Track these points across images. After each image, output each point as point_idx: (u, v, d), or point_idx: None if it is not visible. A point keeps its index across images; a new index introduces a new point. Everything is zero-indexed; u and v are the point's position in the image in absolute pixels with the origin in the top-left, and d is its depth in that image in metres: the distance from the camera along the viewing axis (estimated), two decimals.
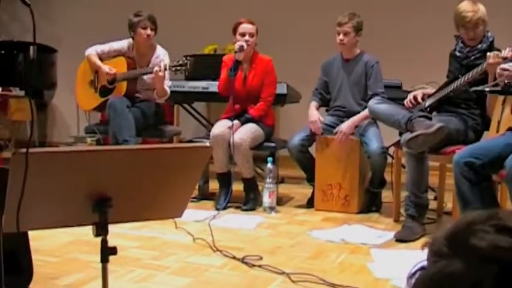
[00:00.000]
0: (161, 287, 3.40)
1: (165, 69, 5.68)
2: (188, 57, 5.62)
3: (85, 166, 2.15)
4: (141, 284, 3.45)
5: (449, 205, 5.09)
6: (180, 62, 5.65)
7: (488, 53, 4.33)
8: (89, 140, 6.30)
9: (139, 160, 2.25)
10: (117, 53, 6.16)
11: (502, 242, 0.93)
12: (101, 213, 2.20)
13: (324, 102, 5.94)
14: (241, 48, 5.51)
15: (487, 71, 4.32)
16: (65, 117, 9.17)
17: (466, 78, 4.52)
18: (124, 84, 6.00)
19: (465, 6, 4.68)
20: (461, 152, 3.87)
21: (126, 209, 2.30)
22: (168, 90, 6.03)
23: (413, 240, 4.52)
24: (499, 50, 4.31)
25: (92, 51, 6.19)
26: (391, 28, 7.69)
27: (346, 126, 5.50)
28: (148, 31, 5.94)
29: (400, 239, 4.53)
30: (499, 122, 4.10)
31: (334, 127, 5.65)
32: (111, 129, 5.76)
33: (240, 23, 5.68)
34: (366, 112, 5.42)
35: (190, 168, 2.37)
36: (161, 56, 6.08)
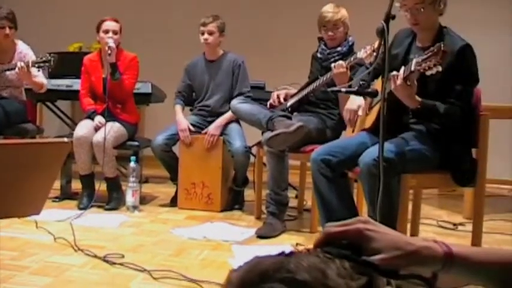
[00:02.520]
0: None
1: (28, 65, 5.55)
2: (52, 54, 5.51)
3: None
4: (0, 285, 3.37)
5: (309, 203, 5.22)
6: (44, 59, 5.53)
7: (332, 64, 4.54)
8: None
9: None
10: None
11: None
12: None
13: (187, 104, 5.99)
14: (110, 49, 5.46)
15: (334, 80, 4.52)
16: None
17: (324, 79, 4.70)
18: None
19: (327, 8, 4.88)
20: (318, 149, 3.99)
21: None
22: (44, 81, 5.91)
23: (274, 237, 4.65)
24: (355, 53, 4.50)
25: None
26: (255, 29, 7.85)
27: (213, 128, 5.57)
28: (7, 30, 5.77)
29: (261, 236, 4.64)
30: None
31: (198, 126, 5.71)
32: None
33: (104, 21, 5.64)
34: (229, 113, 5.51)
35: (48, 165, 2.36)
36: (24, 51, 5.92)
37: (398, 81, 3.37)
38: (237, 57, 5.79)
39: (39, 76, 5.86)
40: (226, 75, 5.76)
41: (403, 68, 3.41)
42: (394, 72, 3.40)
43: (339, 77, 4.46)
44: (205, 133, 5.62)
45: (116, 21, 5.67)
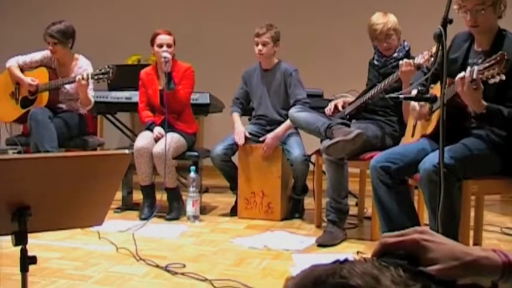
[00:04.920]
0: None
1: (88, 77, 5.65)
2: (111, 65, 5.60)
3: (3, 175, 2.13)
4: None
5: (369, 210, 5.19)
6: (103, 70, 5.62)
7: (400, 62, 4.47)
8: (10, 152, 6.21)
9: (57, 168, 2.25)
10: (39, 64, 6.10)
11: None
12: (20, 222, 2.19)
13: (244, 111, 6.02)
14: (166, 59, 5.53)
15: (401, 79, 4.47)
16: None
17: (383, 85, 4.66)
18: (46, 94, 5.94)
19: (375, 19, 4.84)
20: (377, 157, 3.96)
21: (45, 218, 2.30)
22: (92, 99, 6.01)
23: (334, 245, 4.62)
24: (413, 58, 4.46)
25: (13, 63, 6.10)
26: (312, 38, 7.84)
27: (271, 138, 5.57)
28: (50, 46, 5.90)
29: (321, 244, 4.62)
30: (414, 127, 4.23)
31: (256, 136, 5.73)
32: (33, 140, 5.69)
33: (157, 34, 5.71)
34: (288, 122, 5.50)
35: (110, 176, 2.39)
36: (84, 66, 6.03)
37: (466, 85, 3.30)
38: (288, 66, 5.78)
39: (90, 94, 5.96)
40: (279, 84, 5.76)
41: (465, 72, 3.34)
42: (461, 74, 3.33)
43: (407, 75, 4.39)
44: (263, 141, 5.63)
45: (169, 34, 5.72)
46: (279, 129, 5.62)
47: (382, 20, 4.81)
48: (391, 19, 4.83)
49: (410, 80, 4.27)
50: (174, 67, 5.73)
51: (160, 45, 5.64)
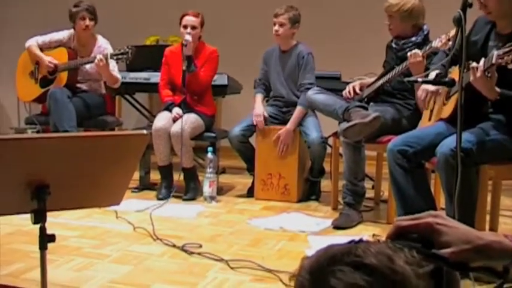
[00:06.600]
0: (101, 275, 3.40)
1: (107, 58, 5.68)
2: (130, 46, 5.62)
3: (23, 154, 2.15)
4: (82, 272, 3.46)
5: (386, 193, 5.19)
6: (122, 51, 5.64)
7: (408, 53, 4.46)
8: (29, 131, 6.25)
9: (77, 147, 2.27)
10: (58, 44, 6.13)
11: (359, 281, 1.00)
12: (39, 201, 2.21)
13: (268, 93, 6.02)
14: (186, 42, 5.54)
15: (410, 70, 4.46)
16: (6, 109, 9.09)
17: (400, 69, 4.64)
18: (65, 74, 5.98)
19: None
20: (394, 140, 3.96)
21: (64, 197, 2.32)
22: (119, 76, 6.04)
23: (350, 227, 4.64)
24: (430, 42, 4.43)
25: (33, 42, 6.14)
26: (330, 21, 7.81)
27: (284, 135, 5.57)
28: (87, 22, 5.94)
29: (337, 226, 4.63)
30: (431, 111, 4.22)
31: (274, 117, 5.74)
32: (52, 119, 5.74)
33: (184, 15, 5.70)
34: (297, 113, 5.55)
35: (128, 156, 2.40)
36: (103, 45, 6.08)
37: (479, 74, 3.29)
38: (304, 48, 5.76)
39: (115, 71, 5.98)
40: (294, 66, 5.75)
41: (483, 59, 3.32)
42: (474, 64, 3.32)
43: (415, 67, 4.40)
44: (282, 124, 5.63)
45: (196, 16, 5.70)
46: (290, 125, 5.58)
47: (392, 0, 4.79)
48: (403, 2, 4.77)
49: (419, 71, 4.26)
50: (200, 49, 5.76)
51: (185, 27, 5.65)
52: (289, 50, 5.79)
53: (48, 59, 5.98)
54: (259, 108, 5.73)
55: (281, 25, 5.61)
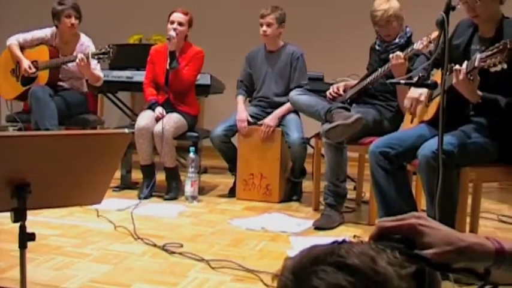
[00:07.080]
0: (81, 274, 3.38)
1: (88, 57, 5.65)
2: (111, 45, 5.60)
3: (4, 152, 2.13)
4: (62, 271, 3.44)
5: (367, 195, 5.20)
6: (103, 50, 5.63)
7: (390, 55, 4.49)
8: (10, 129, 6.21)
9: (58, 146, 2.26)
10: (40, 42, 6.10)
11: (342, 281, 1.00)
12: (19, 199, 2.20)
13: (249, 94, 6.02)
14: (169, 37, 5.55)
15: (392, 72, 4.49)
16: None
17: (383, 70, 4.66)
18: (46, 72, 5.95)
19: (376, 5, 4.83)
20: (376, 142, 3.97)
21: (45, 195, 2.31)
22: (101, 74, 6.03)
23: (331, 228, 4.65)
24: (413, 44, 4.45)
25: (13, 41, 6.10)
26: (314, 21, 7.82)
27: (270, 119, 5.59)
28: (73, 20, 5.92)
29: (318, 227, 4.64)
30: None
31: (257, 118, 5.74)
32: (33, 118, 5.70)
33: (173, 12, 5.71)
34: (288, 104, 5.51)
35: (109, 155, 2.40)
36: (86, 43, 6.06)
37: (461, 76, 3.31)
38: (296, 49, 5.79)
39: (97, 70, 5.96)
40: (285, 66, 5.77)
41: (466, 62, 3.34)
42: (457, 66, 3.34)
43: (397, 68, 4.43)
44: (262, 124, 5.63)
45: (185, 13, 5.71)
46: (279, 110, 5.64)
47: (383, 6, 4.79)
48: (393, 5, 4.80)
49: (401, 73, 4.30)
50: (186, 49, 5.77)
51: (172, 22, 5.66)
52: (277, 50, 5.80)
53: (27, 63, 5.94)
54: (243, 113, 5.72)
55: (268, 25, 5.63)
